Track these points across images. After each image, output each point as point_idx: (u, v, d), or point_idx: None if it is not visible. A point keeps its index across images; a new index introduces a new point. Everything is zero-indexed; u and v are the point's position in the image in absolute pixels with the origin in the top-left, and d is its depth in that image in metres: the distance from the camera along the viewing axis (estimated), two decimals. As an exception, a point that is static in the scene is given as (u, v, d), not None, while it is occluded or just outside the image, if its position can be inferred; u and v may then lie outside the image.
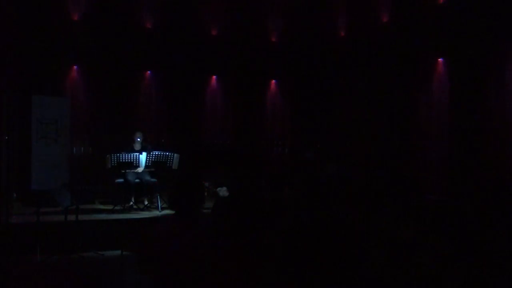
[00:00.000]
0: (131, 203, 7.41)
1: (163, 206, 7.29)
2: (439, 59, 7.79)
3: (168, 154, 7.35)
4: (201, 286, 2.22)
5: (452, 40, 7.39)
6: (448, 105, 7.60)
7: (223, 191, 8.10)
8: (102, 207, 7.52)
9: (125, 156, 7.15)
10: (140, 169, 7.40)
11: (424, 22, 7.90)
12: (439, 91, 7.80)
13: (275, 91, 10.69)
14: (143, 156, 7.29)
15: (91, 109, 9.05)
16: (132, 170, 7.35)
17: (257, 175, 8.49)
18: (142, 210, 7.40)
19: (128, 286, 4.84)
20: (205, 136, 9.87)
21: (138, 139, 7.56)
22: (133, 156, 7.21)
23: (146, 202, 7.61)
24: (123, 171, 7.28)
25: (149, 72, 9.59)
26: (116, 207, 7.23)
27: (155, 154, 7.29)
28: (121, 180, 7.37)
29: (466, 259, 2.68)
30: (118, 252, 5.28)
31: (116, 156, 7.05)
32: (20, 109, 7.88)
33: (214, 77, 10.17)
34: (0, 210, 6.00)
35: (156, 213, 7.20)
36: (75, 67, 8.91)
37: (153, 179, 7.51)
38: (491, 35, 6.83)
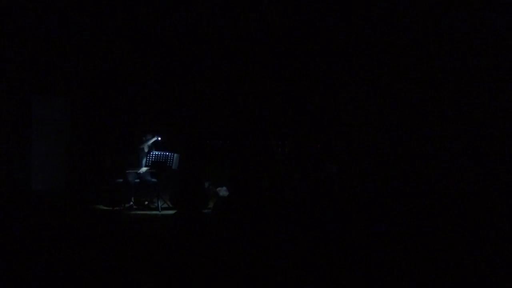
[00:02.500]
0: (131, 203, 7.41)
1: (163, 206, 7.30)
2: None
3: (168, 154, 7.36)
4: (201, 285, 2.23)
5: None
6: (449, 106, 7.62)
7: (223, 191, 8.12)
8: (102, 207, 7.53)
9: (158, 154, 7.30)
10: (142, 169, 7.42)
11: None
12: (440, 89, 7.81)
13: (276, 90, 10.69)
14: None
15: (91, 109, 9.06)
16: (133, 170, 7.37)
17: (257, 175, 8.51)
18: (142, 210, 7.40)
19: (129, 285, 4.84)
20: (205, 136, 9.88)
21: (150, 140, 7.59)
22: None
23: (146, 202, 7.62)
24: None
25: (148, 72, 9.60)
26: (116, 207, 7.24)
27: (155, 154, 7.31)
28: (121, 180, 7.38)
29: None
30: (118, 252, 5.28)
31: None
32: (20, 109, 7.89)
33: (214, 76, 10.17)
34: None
35: (156, 213, 7.20)
36: (75, 67, 8.92)
37: (153, 179, 7.53)
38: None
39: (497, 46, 6.95)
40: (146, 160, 7.33)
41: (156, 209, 7.31)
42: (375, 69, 9.04)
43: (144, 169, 7.42)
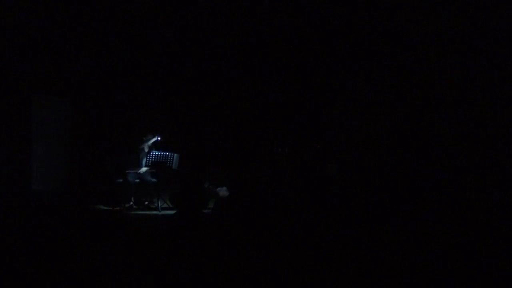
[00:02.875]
0: (131, 203, 7.42)
1: (163, 206, 7.30)
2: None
3: (168, 154, 7.37)
4: (200, 285, 2.24)
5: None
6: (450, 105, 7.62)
7: (223, 191, 8.13)
8: (102, 207, 7.53)
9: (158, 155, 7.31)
10: (142, 169, 7.43)
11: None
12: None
13: (275, 90, 10.69)
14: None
15: (91, 109, 9.06)
16: (133, 170, 7.38)
17: (257, 176, 8.51)
18: (142, 210, 7.41)
19: (129, 285, 4.84)
20: (205, 136, 9.88)
21: (151, 140, 7.59)
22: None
23: (146, 202, 7.63)
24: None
25: (149, 72, 9.61)
26: (116, 207, 7.25)
27: (155, 154, 7.32)
28: (121, 180, 7.39)
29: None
30: (118, 252, 5.28)
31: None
32: (20, 109, 7.90)
33: (214, 77, 10.17)
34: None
35: (156, 213, 7.21)
36: (75, 67, 8.92)
37: (153, 179, 7.53)
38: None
39: (497, 46, 6.95)
40: (146, 160, 7.34)
41: (156, 209, 7.32)
42: (375, 69, 9.04)
43: (144, 169, 7.43)
